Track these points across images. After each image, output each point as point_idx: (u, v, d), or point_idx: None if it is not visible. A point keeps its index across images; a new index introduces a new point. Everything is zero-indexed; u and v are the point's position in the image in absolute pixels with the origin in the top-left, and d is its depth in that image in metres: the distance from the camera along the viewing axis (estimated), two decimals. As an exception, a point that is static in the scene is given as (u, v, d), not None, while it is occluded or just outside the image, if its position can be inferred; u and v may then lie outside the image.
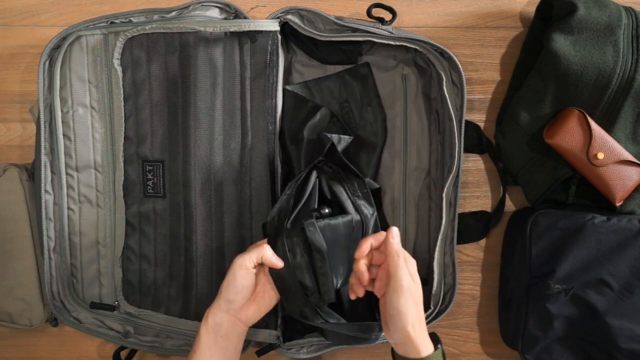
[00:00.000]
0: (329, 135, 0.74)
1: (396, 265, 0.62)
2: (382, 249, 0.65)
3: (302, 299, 0.68)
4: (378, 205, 0.81)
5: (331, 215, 0.73)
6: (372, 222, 0.75)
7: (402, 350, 0.62)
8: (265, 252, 0.67)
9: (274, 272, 0.68)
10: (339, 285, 0.70)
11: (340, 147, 0.75)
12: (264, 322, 0.78)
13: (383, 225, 0.81)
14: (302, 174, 0.72)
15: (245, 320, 0.68)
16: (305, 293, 0.68)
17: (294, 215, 0.70)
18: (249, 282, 0.67)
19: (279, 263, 0.67)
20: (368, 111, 0.82)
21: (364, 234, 0.74)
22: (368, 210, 0.75)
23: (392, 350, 0.65)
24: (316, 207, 0.73)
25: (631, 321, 0.75)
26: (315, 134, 0.79)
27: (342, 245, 0.71)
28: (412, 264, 0.64)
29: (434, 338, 0.64)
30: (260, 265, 0.68)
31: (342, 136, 0.76)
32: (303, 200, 0.72)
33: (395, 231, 0.64)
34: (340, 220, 0.71)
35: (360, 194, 0.75)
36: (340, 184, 0.75)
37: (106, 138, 0.81)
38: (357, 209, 0.74)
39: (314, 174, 0.74)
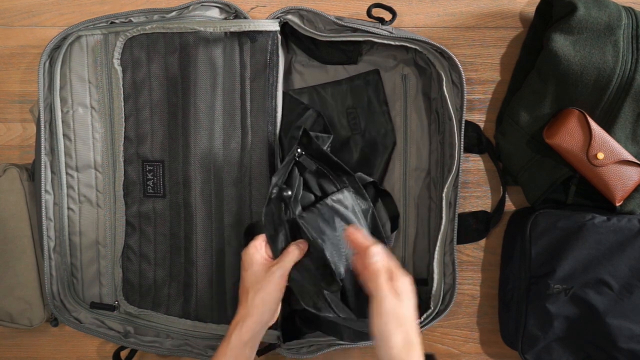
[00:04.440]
0: (302, 125, 0.74)
1: (375, 286, 0.57)
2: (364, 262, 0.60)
3: (314, 291, 0.67)
4: (384, 195, 0.81)
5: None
6: (369, 218, 0.75)
7: None
8: (297, 256, 0.67)
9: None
10: (342, 272, 0.70)
11: (322, 146, 0.74)
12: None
13: (392, 211, 0.81)
14: (282, 172, 0.71)
15: (270, 325, 0.68)
16: (318, 286, 0.68)
17: (288, 212, 0.71)
18: (284, 290, 0.66)
19: (304, 246, 0.68)
20: (375, 118, 0.81)
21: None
22: (362, 206, 0.75)
23: None
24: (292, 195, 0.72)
25: (631, 321, 0.75)
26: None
27: (339, 225, 0.71)
28: (404, 281, 0.58)
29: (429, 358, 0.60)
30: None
31: (319, 134, 0.75)
32: (292, 197, 0.72)
33: (373, 251, 0.59)
34: (330, 201, 0.72)
35: (352, 190, 0.75)
36: (329, 180, 0.75)
37: (106, 138, 0.81)
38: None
39: (296, 172, 0.74)
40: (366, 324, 0.63)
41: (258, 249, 0.68)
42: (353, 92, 0.82)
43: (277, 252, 0.68)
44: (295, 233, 0.71)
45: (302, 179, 0.74)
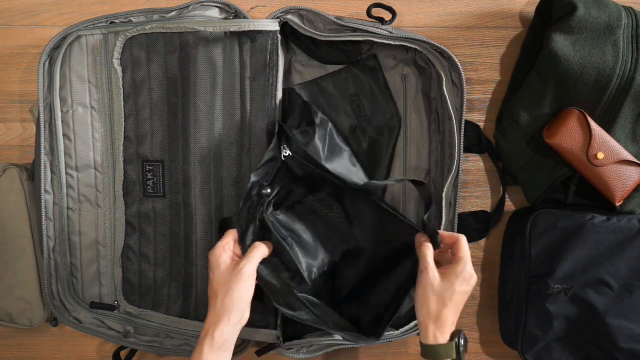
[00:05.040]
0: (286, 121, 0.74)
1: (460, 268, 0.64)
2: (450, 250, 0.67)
3: (285, 290, 0.68)
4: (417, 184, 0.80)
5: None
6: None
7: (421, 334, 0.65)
8: (265, 252, 0.67)
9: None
10: (315, 272, 0.71)
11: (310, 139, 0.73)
12: (264, 322, 0.78)
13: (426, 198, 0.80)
14: (261, 172, 0.71)
15: (244, 324, 0.67)
16: (287, 285, 0.68)
17: (266, 206, 0.71)
18: (254, 287, 0.66)
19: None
20: (379, 103, 0.82)
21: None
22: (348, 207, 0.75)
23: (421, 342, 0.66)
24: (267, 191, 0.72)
25: (631, 321, 0.75)
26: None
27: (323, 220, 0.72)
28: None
29: (455, 333, 0.64)
30: None
31: (306, 128, 0.74)
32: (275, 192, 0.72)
33: (463, 241, 0.66)
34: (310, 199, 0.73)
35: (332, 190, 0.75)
36: (314, 182, 0.74)
37: (106, 138, 0.81)
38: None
39: (284, 170, 0.73)
40: (343, 322, 0.67)
41: (226, 249, 0.67)
42: (354, 80, 0.82)
43: (245, 249, 0.68)
44: (265, 232, 0.71)
45: (290, 176, 0.74)
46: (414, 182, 0.68)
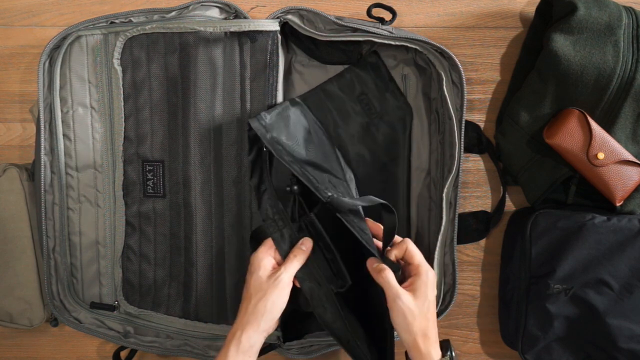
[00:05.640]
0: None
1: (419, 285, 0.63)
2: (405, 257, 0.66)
3: (324, 293, 0.66)
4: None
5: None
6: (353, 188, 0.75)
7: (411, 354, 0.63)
8: (302, 260, 0.66)
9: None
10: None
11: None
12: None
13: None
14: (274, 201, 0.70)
15: (271, 332, 0.67)
16: (327, 287, 0.67)
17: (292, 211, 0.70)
18: (288, 296, 0.65)
19: (309, 245, 0.68)
20: (387, 97, 0.82)
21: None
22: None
23: (406, 353, 0.65)
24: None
25: (631, 321, 0.75)
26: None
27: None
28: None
29: (445, 345, 0.64)
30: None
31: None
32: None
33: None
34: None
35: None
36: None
37: (106, 138, 0.81)
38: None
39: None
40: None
41: (268, 253, 0.67)
42: (358, 79, 0.81)
43: (283, 255, 0.67)
44: (301, 233, 0.69)
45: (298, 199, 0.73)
46: (384, 207, 0.65)
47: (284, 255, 0.67)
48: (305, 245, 0.67)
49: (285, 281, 0.64)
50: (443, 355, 0.63)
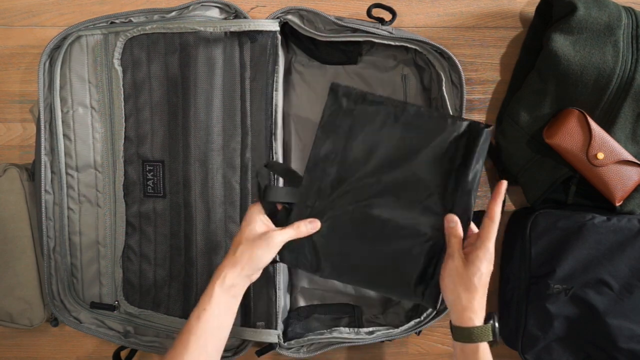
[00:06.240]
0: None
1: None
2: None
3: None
4: None
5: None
6: None
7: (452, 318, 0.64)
8: (301, 230, 0.67)
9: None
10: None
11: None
12: (264, 322, 0.78)
13: None
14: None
15: (254, 281, 0.68)
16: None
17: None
18: (273, 256, 0.67)
19: (316, 226, 0.68)
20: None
21: None
22: None
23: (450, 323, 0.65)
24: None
25: (631, 321, 0.75)
26: None
27: None
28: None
29: (489, 315, 0.64)
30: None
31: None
32: None
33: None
34: None
35: None
36: None
37: (106, 138, 0.81)
38: None
39: None
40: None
41: (264, 212, 0.68)
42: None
43: (283, 222, 0.68)
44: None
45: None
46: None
47: (282, 222, 0.68)
48: (313, 224, 0.68)
49: (276, 242, 0.65)
50: (485, 323, 0.63)
